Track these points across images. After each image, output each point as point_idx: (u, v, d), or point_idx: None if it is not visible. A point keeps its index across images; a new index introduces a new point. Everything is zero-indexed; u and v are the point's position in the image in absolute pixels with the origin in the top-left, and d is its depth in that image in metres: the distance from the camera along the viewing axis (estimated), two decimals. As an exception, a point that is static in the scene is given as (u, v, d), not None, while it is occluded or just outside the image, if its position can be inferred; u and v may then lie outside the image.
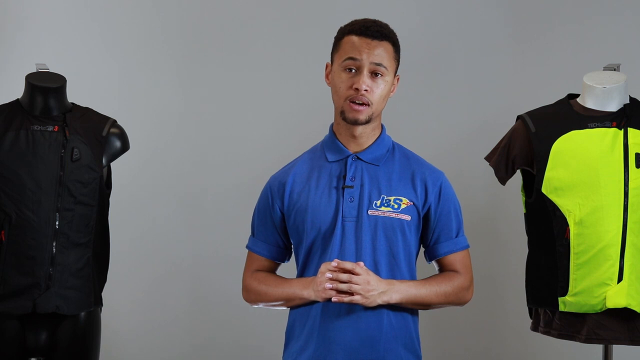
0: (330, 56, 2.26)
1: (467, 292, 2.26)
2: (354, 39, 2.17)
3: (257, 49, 3.71)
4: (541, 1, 3.69)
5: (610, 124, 2.66)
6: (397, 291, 2.14)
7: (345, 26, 2.23)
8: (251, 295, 2.31)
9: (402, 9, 3.69)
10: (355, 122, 2.18)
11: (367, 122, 2.18)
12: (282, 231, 2.29)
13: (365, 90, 2.14)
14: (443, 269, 2.29)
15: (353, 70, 2.16)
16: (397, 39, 2.22)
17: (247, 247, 2.35)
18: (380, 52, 2.16)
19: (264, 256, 2.32)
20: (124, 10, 3.70)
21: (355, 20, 2.22)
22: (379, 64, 2.14)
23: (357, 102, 2.15)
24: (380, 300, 2.11)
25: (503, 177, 2.80)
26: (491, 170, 2.85)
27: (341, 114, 2.19)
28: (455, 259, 2.27)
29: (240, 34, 3.72)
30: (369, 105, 2.15)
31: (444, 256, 2.27)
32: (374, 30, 2.17)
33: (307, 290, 2.16)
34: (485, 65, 3.68)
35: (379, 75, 2.16)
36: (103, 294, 2.79)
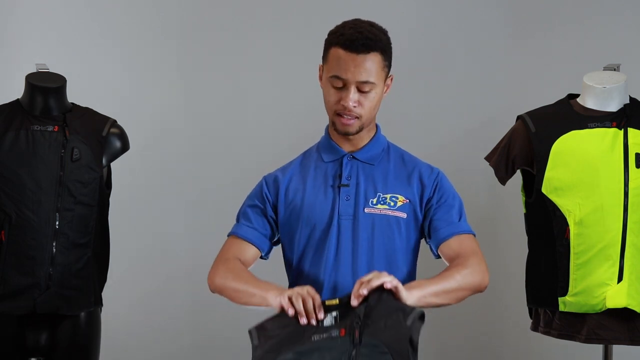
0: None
1: (485, 273, 2.12)
2: (340, 53, 2.10)
3: (257, 50, 3.70)
4: (541, 1, 3.69)
5: (610, 124, 2.66)
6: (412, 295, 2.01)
7: (333, 34, 2.15)
8: (217, 278, 2.18)
9: (402, 8, 3.69)
10: (346, 134, 2.19)
11: (359, 132, 2.19)
12: (275, 224, 2.27)
13: (354, 106, 2.12)
14: (450, 258, 2.16)
15: (340, 86, 2.12)
16: (386, 43, 2.15)
17: (231, 233, 2.26)
18: (367, 67, 2.09)
19: (249, 241, 2.24)
20: (124, 11, 3.70)
21: (343, 27, 2.14)
22: (365, 82, 2.10)
23: (345, 116, 2.14)
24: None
25: (503, 177, 2.80)
26: (491, 171, 2.85)
27: (332, 125, 2.20)
28: (460, 242, 2.16)
29: (240, 33, 3.71)
30: (358, 117, 2.15)
31: (446, 240, 2.16)
32: (360, 44, 2.08)
33: (277, 297, 2.05)
34: (486, 65, 3.68)
35: (367, 90, 2.12)
36: (103, 294, 2.79)
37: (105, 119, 2.78)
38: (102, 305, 2.77)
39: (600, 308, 2.61)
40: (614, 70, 2.85)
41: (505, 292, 3.59)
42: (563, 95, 2.82)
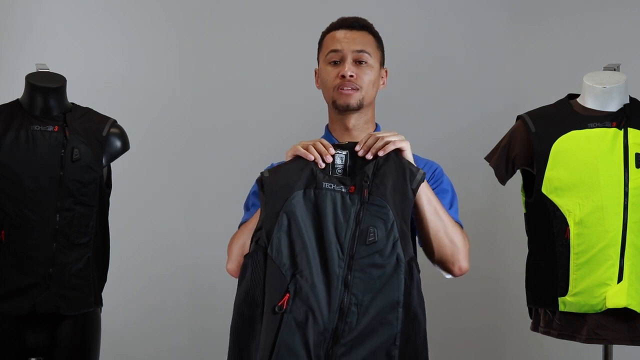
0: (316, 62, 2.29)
1: (467, 257, 2.09)
2: (334, 33, 2.22)
3: (258, 49, 3.71)
4: (541, 1, 3.69)
5: (610, 124, 2.66)
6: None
7: (325, 28, 2.28)
8: (233, 248, 2.14)
9: (403, 8, 3.69)
10: (347, 108, 2.19)
11: (359, 107, 2.20)
12: None
13: (351, 76, 2.16)
14: None
15: (337, 62, 2.19)
16: (377, 32, 2.26)
17: (241, 222, 2.21)
18: (361, 40, 2.20)
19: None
20: (124, 11, 3.70)
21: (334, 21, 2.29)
22: (361, 51, 2.18)
23: (345, 88, 2.18)
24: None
25: (503, 177, 2.80)
26: (491, 170, 2.85)
27: (333, 104, 2.21)
28: None
29: (241, 33, 3.72)
30: (358, 89, 2.18)
31: None
32: (352, 21, 2.22)
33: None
34: (486, 65, 3.68)
35: (364, 63, 2.18)
36: (103, 294, 2.79)
37: (105, 119, 2.78)
38: (102, 305, 2.78)
39: (600, 308, 2.61)
40: (614, 70, 2.85)
41: (505, 292, 3.59)
42: (563, 95, 2.82)
